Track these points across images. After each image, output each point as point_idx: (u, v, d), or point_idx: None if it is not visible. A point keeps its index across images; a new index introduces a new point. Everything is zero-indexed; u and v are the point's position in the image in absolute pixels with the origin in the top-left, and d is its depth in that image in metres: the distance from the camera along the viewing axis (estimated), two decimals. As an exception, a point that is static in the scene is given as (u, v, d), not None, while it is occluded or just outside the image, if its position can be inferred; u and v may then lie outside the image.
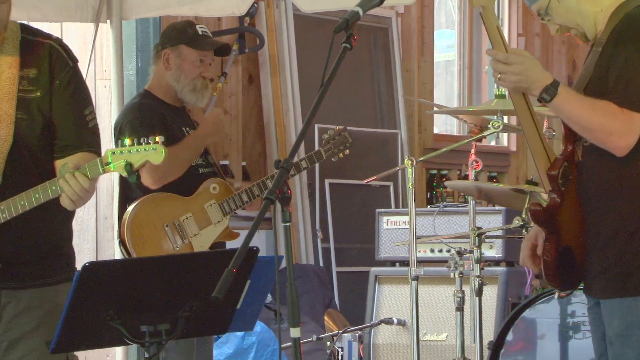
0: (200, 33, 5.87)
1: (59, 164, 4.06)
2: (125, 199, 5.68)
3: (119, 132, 5.64)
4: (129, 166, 3.82)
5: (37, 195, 3.92)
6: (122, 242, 5.60)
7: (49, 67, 4.09)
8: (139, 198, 5.60)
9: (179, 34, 5.85)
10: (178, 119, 5.78)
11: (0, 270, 4.00)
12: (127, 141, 3.86)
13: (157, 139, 3.85)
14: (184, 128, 5.73)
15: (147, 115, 5.65)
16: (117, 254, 7.11)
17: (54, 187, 3.90)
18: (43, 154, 4.06)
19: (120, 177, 5.60)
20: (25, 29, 4.17)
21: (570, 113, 3.90)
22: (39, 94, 4.06)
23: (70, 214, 4.17)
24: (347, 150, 6.01)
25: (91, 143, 4.14)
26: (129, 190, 5.66)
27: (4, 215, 3.95)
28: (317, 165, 8.69)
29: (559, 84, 3.88)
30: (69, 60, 4.14)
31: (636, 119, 3.84)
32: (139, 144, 3.84)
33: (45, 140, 4.02)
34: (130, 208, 5.58)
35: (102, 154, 3.91)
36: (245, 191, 5.77)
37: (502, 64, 3.90)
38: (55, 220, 4.13)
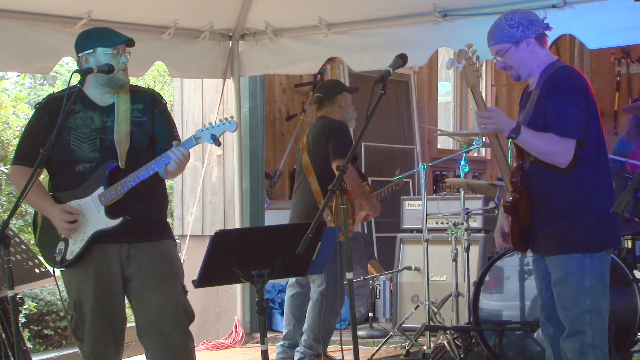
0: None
1: None
2: (324, 188, 5.74)
3: (329, 132, 5.83)
4: (213, 136, 3.83)
5: (152, 166, 3.92)
6: (329, 207, 5.63)
7: (151, 102, 4.12)
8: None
9: (342, 86, 6.11)
10: None
11: (129, 230, 3.97)
12: (214, 121, 3.88)
13: (229, 117, 3.87)
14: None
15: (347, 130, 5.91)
16: (237, 225, 7.11)
17: (163, 159, 3.91)
18: (146, 154, 4.05)
19: (318, 181, 5.77)
20: (131, 86, 4.19)
21: (529, 143, 3.90)
22: (145, 118, 4.09)
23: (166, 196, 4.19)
24: (397, 187, 6.63)
25: None
26: (326, 184, 5.67)
27: (130, 183, 3.94)
28: (363, 168, 8.70)
29: (520, 126, 3.89)
30: (162, 100, 4.19)
31: (571, 143, 3.84)
32: (220, 122, 3.84)
33: (149, 145, 4.06)
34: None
35: (194, 133, 3.91)
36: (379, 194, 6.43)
37: (485, 118, 3.92)
38: (162, 199, 4.16)
